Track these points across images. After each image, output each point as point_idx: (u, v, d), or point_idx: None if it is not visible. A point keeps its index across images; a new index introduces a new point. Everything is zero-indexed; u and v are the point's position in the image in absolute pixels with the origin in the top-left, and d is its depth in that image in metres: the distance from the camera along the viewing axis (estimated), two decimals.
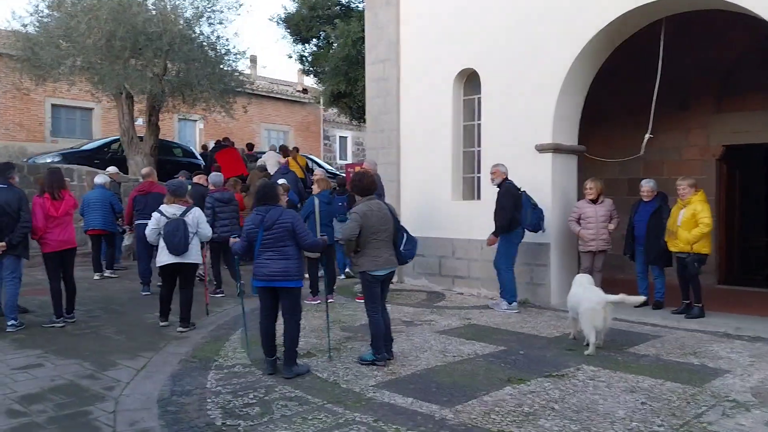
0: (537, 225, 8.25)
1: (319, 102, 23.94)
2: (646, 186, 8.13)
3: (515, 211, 8.10)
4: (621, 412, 4.42)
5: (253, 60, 27.65)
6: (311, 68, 16.65)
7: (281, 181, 9.49)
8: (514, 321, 7.58)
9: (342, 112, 16.14)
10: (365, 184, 5.80)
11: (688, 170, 10.73)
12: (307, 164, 15.04)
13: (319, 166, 16.01)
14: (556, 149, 8.67)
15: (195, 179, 10.32)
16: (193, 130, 26.31)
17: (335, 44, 13.81)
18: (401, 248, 5.73)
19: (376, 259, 5.61)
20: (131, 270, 10.57)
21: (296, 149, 15.11)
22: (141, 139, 14.19)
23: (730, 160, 10.89)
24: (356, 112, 15.42)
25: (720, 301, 8.37)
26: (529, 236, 8.49)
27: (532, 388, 4.94)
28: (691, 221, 7.28)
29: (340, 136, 32.22)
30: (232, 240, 6.17)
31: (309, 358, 5.85)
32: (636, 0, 7.79)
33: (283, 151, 14.78)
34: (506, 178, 8.30)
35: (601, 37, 8.28)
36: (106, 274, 10.39)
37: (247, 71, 20.47)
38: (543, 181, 8.67)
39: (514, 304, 8.23)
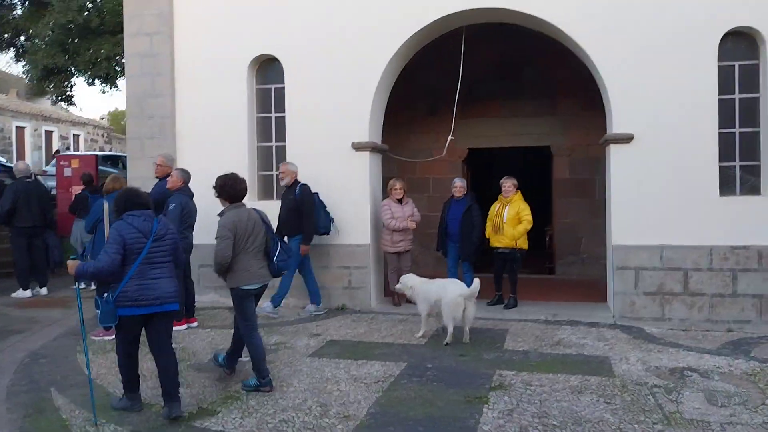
0: (328, 227, 8.08)
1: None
2: (459, 183, 8.45)
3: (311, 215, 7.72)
4: (607, 416, 4.46)
5: None
6: None
7: None
8: (365, 331, 7.09)
9: (53, 92, 12.83)
10: (236, 188, 5.13)
11: (439, 170, 11.63)
12: None
13: None
14: (373, 148, 8.42)
15: None
16: None
17: (54, 7, 10.85)
18: (275, 259, 5.13)
19: (247, 272, 5.01)
20: None
21: None
22: None
23: (471, 162, 12.19)
24: (68, 95, 12.48)
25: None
26: (352, 237, 8.32)
27: (503, 407, 4.62)
28: (515, 219, 7.85)
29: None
30: (72, 263, 4.45)
31: (213, 417, 4.47)
32: (456, 6, 7.99)
33: None
34: (296, 179, 7.84)
35: (414, 38, 8.30)
36: None
37: None
38: (360, 180, 8.34)
39: (279, 308, 7.95)
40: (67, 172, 11.08)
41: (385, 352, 6.20)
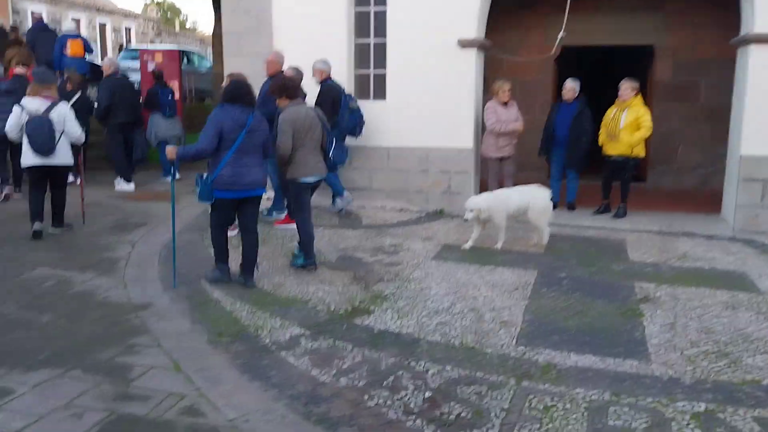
0: (352, 129, 7.64)
1: None
2: (571, 85, 7.96)
3: (332, 113, 7.22)
4: None
5: None
6: None
7: None
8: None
9: None
10: (294, 86, 5.50)
11: (526, 70, 10.96)
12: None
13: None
14: (480, 45, 7.95)
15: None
16: None
17: None
18: (330, 154, 5.56)
19: (305, 165, 5.36)
20: None
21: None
22: None
23: (564, 61, 11.47)
24: None
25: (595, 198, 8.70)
26: (454, 141, 8.02)
27: (662, 321, 4.47)
28: (634, 124, 7.42)
29: (32, 12, 25.75)
30: (171, 148, 4.91)
31: (369, 316, 4.46)
32: None
33: None
34: (329, 77, 7.47)
35: None
36: None
37: None
38: (464, 80, 7.94)
39: (345, 193, 7.78)
40: (151, 66, 10.86)
41: (506, 258, 6.08)
